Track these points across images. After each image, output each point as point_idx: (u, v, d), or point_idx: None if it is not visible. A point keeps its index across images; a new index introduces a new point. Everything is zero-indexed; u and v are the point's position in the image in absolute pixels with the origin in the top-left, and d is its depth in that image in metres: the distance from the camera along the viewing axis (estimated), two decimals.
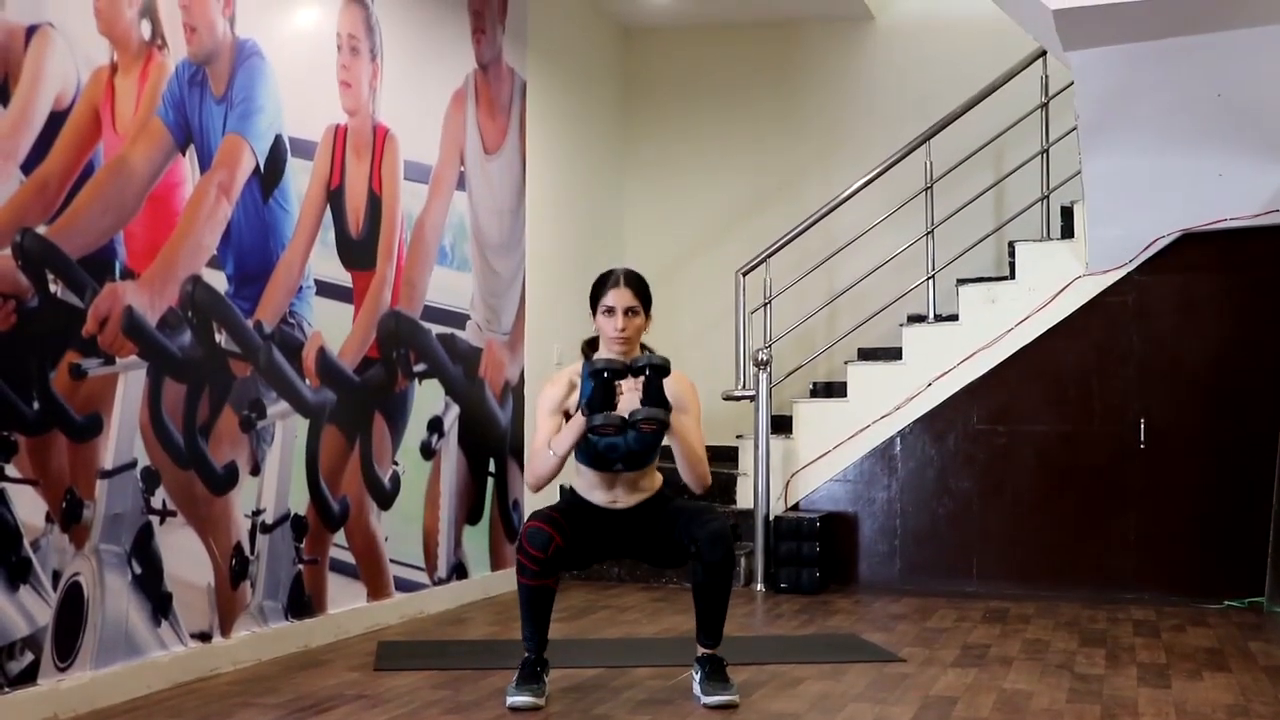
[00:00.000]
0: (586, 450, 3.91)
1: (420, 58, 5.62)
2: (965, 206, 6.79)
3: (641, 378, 3.79)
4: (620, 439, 3.84)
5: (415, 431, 5.51)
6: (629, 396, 3.85)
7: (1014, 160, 6.91)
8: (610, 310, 3.91)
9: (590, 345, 4.03)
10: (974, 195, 6.82)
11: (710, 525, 3.86)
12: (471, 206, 5.98)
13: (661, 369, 3.78)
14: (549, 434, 3.89)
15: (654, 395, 3.77)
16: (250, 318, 4.54)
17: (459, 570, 5.82)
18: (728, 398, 6.64)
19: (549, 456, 3.86)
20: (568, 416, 3.90)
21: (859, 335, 7.04)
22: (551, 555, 3.79)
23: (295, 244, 4.78)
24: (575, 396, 3.92)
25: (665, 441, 3.89)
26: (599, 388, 3.77)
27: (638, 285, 3.95)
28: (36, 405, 3.65)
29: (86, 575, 3.80)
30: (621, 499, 3.99)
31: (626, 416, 3.75)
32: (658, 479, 4.06)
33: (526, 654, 3.90)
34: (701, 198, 7.95)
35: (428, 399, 5.59)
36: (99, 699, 3.79)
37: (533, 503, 5.67)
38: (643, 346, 4.01)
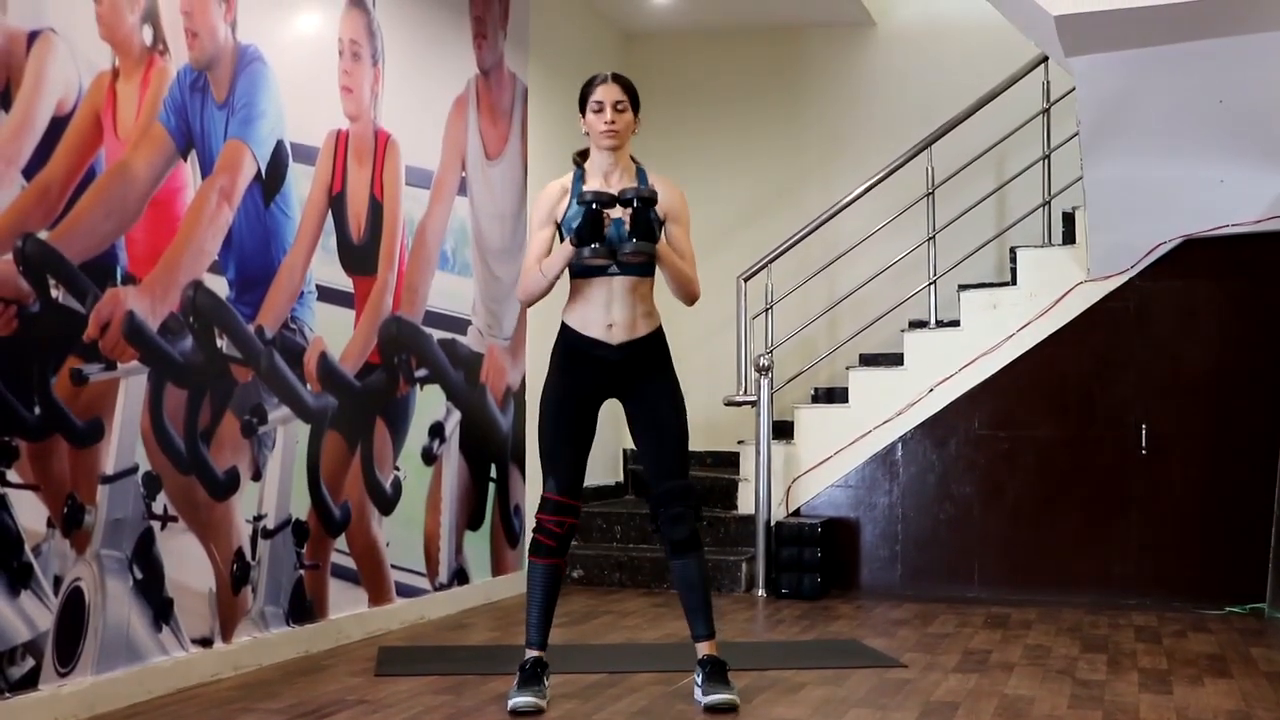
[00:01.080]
0: (578, 262, 3.92)
1: (422, 63, 5.62)
2: (967, 212, 6.79)
3: (630, 209, 3.82)
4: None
5: (417, 437, 5.50)
6: (617, 215, 3.89)
7: (1015, 166, 6.92)
8: (600, 106, 3.94)
9: (582, 155, 4.06)
10: (975, 201, 6.83)
11: (673, 509, 3.92)
12: (473, 212, 5.98)
13: (650, 200, 3.82)
14: (540, 250, 3.97)
15: (643, 227, 3.81)
16: (252, 323, 4.54)
17: (460, 575, 5.81)
18: (729, 403, 6.64)
19: (539, 277, 3.94)
20: (558, 228, 3.96)
21: (860, 341, 7.04)
22: (566, 531, 3.92)
23: (297, 249, 4.78)
24: (565, 203, 3.96)
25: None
26: (587, 219, 3.80)
27: (626, 83, 3.98)
28: (38, 410, 3.65)
29: (88, 580, 3.80)
30: (618, 323, 3.94)
31: (614, 247, 3.82)
32: (656, 316, 4.03)
33: (527, 655, 3.91)
34: (703, 203, 7.91)
35: (429, 404, 5.59)
36: (100, 704, 3.79)
37: (534, 508, 5.67)
38: (636, 164, 4.01)
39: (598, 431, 4.10)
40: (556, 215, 3.97)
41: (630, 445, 7.53)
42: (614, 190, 3.88)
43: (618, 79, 3.98)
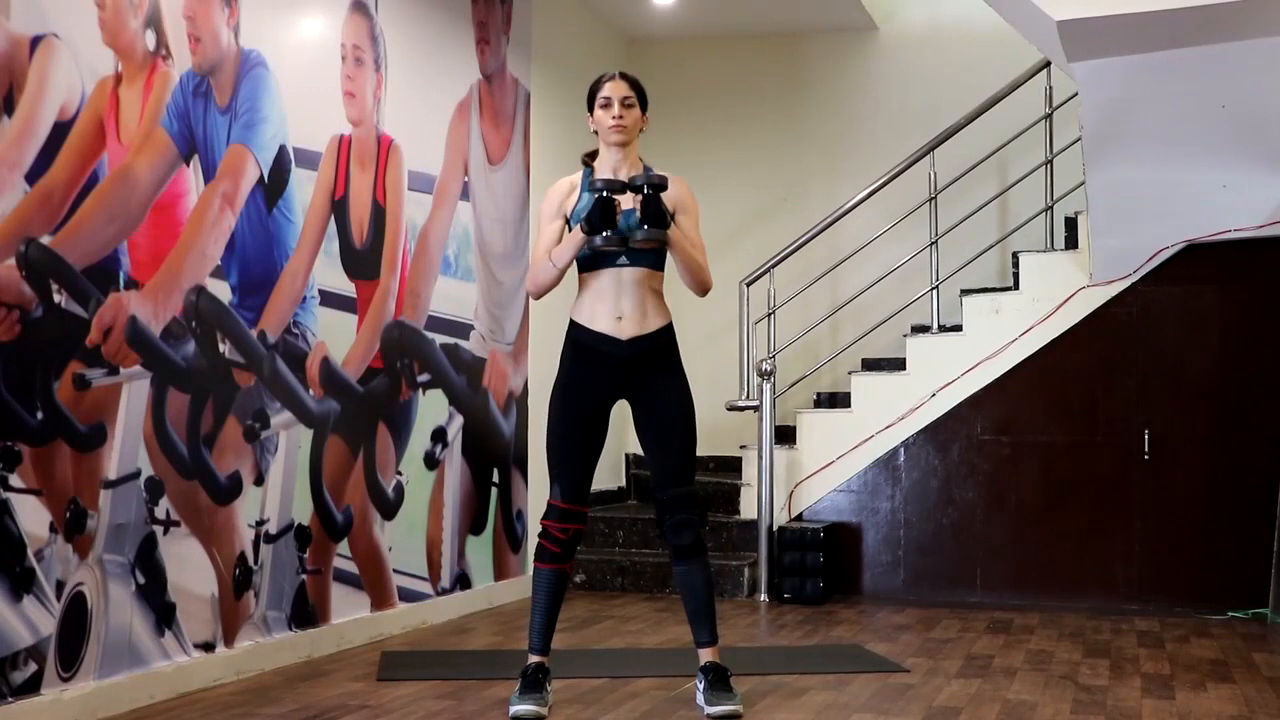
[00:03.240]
0: (588, 251, 3.91)
1: (424, 68, 5.63)
2: (969, 217, 6.79)
3: (640, 195, 3.83)
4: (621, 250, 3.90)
5: (419, 441, 5.51)
6: (627, 206, 3.89)
7: (1018, 171, 6.92)
8: (607, 102, 3.95)
9: (590, 156, 4.06)
10: (978, 206, 6.83)
11: (677, 515, 3.91)
12: (475, 216, 5.99)
13: (660, 186, 3.83)
14: (550, 241, 3.95)
15: (653, 214, 3.82)
16: (254, 327, 4.54)
17: (462, 580, 5.81)
18: (731, 408, 6.64)
19: (549, 267, 3.91)
20: (567, 221, 3.96)
21: (863, 345, 7.04)
22: (571, 538, 3.91)
23: (299, 254, 4.78)
24: (574, 197, 3.97)
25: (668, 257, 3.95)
26: (598, 206, 3.80)
27: (633, 81, 4.00)
28: (40, 415, 3.65)
29: (90, 585, 3.80)
30: (628, 315, 3.92)
31: (625, 234, 3.81)
32: (666, 311, 4.01)
33: (529, 660, 3.91)
34: (705, 208, 7.81)
35: (431, 409, 5.59)
36: (102, 709, 3.79)
37: (537, 513, 5.69)
38: (643, 163, 4.02)
39: None
40: (566, 210, 3.97)
41: (634, 450, 7.53)
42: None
43: (625, 76, 4.00)
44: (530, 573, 4.04)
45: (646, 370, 3.95)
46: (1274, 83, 5.13)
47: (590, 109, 4.00)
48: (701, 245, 4.01)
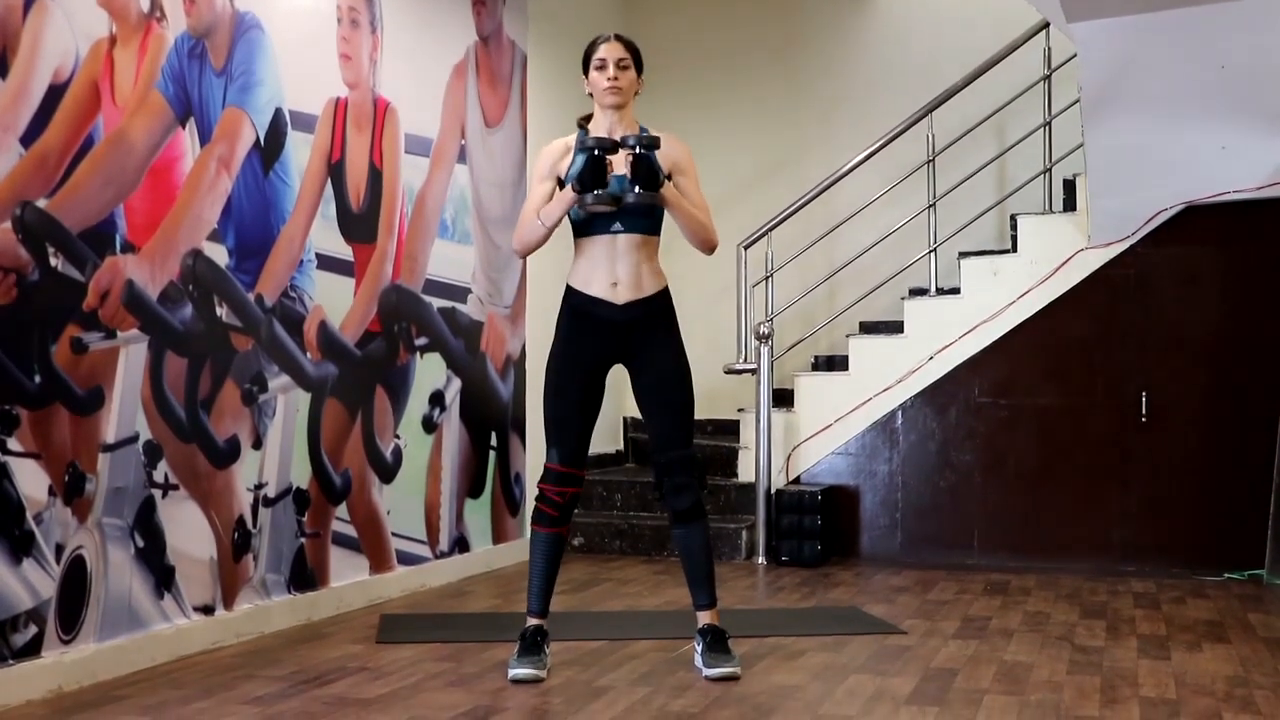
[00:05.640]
0: (584, 215, 3.90)
1: (420, 30, 5.60)
2: (967, 179, 6.77)
3: (631, 155, 3.80)
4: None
5: (417, 405, 5.51)
6: (621, 169, 3.87)
7: (1016, 133, 6.90)
8: (602, 63, 3.94)
9: (586, 119, 4.05)
10: (976, 168, 6.81)
11: (676, 479, 3.92)
12: (473, 179, 5.97)
13: (652, 145, 3.80)
14: (539, 201, 3.93)
15: (643, 174, 3.79)
16: (251, 291, 4.53)
17: (461, 544, 5.83)
18: (729, 371, 6.64)
19: (537, 225, 3.89)
20: (560, 184, 3.93)
21: (860, 309, 7.04)
22: (568, 501, 3.91)
23: (296, 217, 4.77)
24: (567, 160, 3.94)
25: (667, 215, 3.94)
26: (589, 164, 3.78)
27: (629, 42, 3.99)
28: (38, 379, 3.65)
29: (89, 549, 3.81)
30: (623, 280, 3.92)
31: (618, 193, 3.78)
32: (663, 276, 4.01)
33: (528, 623, 3.92)
34: (703, 170, 7.81)
35: (429, 372, 5.59)
36: (102, 671, 3.81)
37: (535, 476, 5.69)
38: (641, 130, 3.98)
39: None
40: (559, 171, 3.94)
41: (632, 413, 7.53)
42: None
43: (621, 38, 3.98)
44: (528, 536, 4.04)
45: (643, 334, 3.95)
46: (1274, 43, 5.11)
47: (585, 71, 3.98)
48: (704, 205, 3.99)
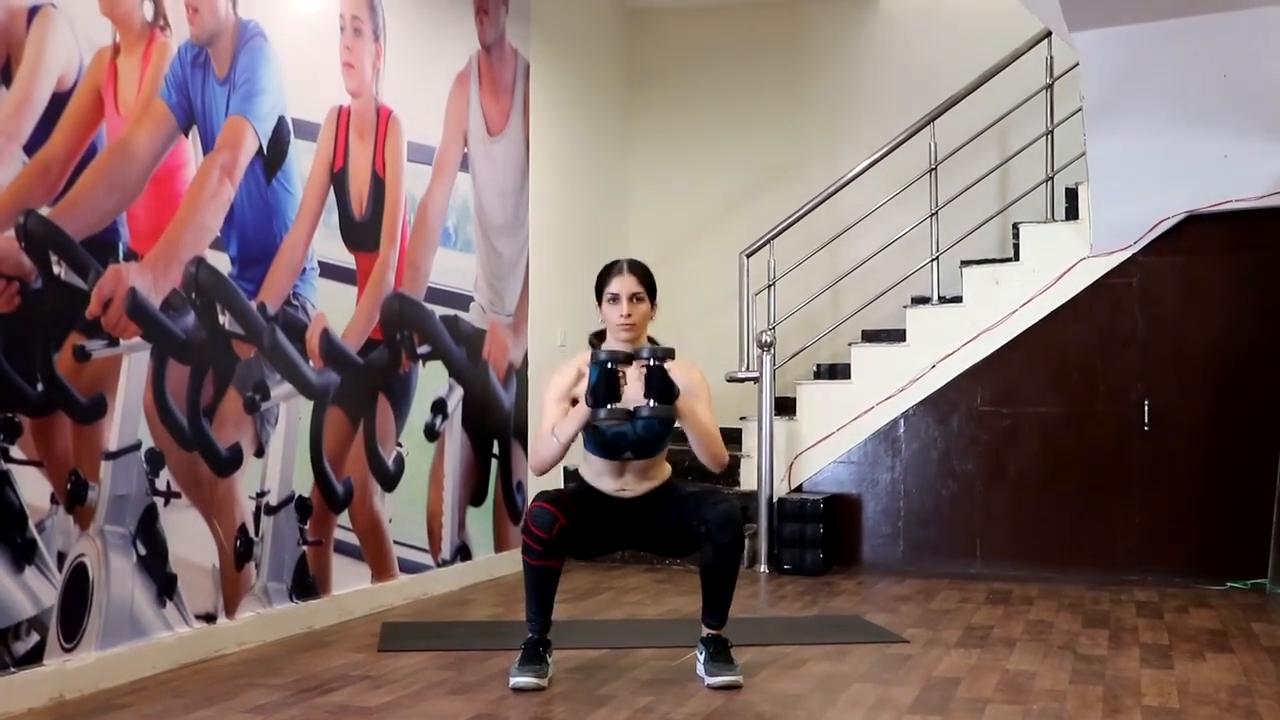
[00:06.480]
0: (595, 438, 3.91)
1: (423, 39, 5.61)
2: (970, 188, 6.78)
3: (645, 368, 3.77)
4: (628, 428, 3.85)
5: (419, 413, 5.51)
6: (634, 386, 3.83)
7: (1019, 141, 6.90)
8: (615, 297, 3.92)
9: (599, 337, 4.03)
10: (978, 177, 6.81)
11: (720, 507, 3.85)
12: (475, 188, 5.98)
13: (666, 356, 3.77)
14: (554, 419, 3.89)
15: (657, 387, 3.75)
16: (254, 299, 4.54)
17: (463, 552, 5.83)
18: (731, 379, 6.64)
19: (552, 442, 3.85)
20: (574, 404, 3.89)
21: (863, 317, 7.04)
22: (556, 536, 3.79)
23: (298, 226, 4.78)
24: (584, 384, 3.90)
25: (678, 425, 3.88)
26: (603, 378, 3.75)
27: (642, 273, 3.96)
28: (41, 387, 3.65)
29: (91, 556, 3.81)
30: (630, 486, 3.98)
31: (632, 409, 3.75)
32: (667, 469, 4.06)
33: (530, 634, 3.91)
34: (706, 179, 7.95)
35: (431, 381, 5.60)
36: (104, 680, 3.80)
37: (536, 484, 5.68)
38: (651, 340, 3.98)
39: None
40: (574, 394, 3.91)
41: None
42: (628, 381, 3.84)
43: (634, 269, 3.95)
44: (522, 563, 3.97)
45: (653, 508, 3.99)
46: (1276, 52, 5.11)
47: (599, 300, 3.96)
48: (714, 422, 3.93)
